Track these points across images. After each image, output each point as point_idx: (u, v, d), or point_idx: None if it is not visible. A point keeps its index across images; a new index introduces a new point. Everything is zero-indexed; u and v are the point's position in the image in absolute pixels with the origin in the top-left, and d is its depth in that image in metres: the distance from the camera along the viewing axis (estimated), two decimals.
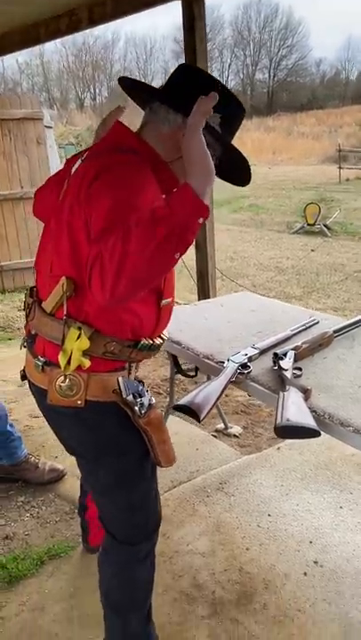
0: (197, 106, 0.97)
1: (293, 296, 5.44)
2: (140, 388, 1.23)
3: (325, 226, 8.82)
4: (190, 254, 3.37)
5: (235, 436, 2.69)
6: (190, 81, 1.20)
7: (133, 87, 1.25)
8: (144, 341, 1.23)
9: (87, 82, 45.93)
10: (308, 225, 8.90)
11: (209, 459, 2.45)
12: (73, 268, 1.13)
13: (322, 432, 1.40)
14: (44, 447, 2.60)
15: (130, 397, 1.19)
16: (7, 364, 3.49)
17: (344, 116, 29.53)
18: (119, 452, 1.26)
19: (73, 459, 2.44)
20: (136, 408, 1.19)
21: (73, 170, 1.21)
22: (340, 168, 14.68)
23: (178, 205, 0.94)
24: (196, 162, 0.96)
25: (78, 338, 1.14)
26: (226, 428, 2.72)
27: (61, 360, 1.15)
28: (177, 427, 2.69)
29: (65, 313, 1.15)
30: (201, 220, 0.95)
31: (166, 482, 2.25)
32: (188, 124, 0.98)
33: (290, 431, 1.37)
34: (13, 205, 5.19)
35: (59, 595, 1.77)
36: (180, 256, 0.98)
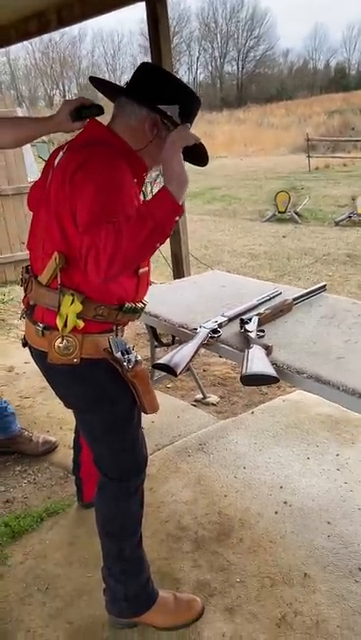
0: (177, 131, 1.25)
1: (266, 279, 5.65)
2: (128, 346, 1.44)
3: (296, 213, 9.09)
4: (166, 245, 3.58)
5: (212, 404, 2.92)
6: (150, 77, 1.41)
7: (102, 85, 1.45)
8: (128, 305, 1.42)
9: (55, 79, 45.59)
10: (280, 213, 9.16)
11: (189, 424, 2.67)
12: (64, 246, 1.32)
13: (282, 380, 1.64)
14: (36, 423, 2.80)
15: (119, 354, 1.40)
16: None
17: (313, 105, 29.95)
18: (110, 402, 1.46)
19: (63, 431, 2.68)
20: (124, 363, 1.40)
21: (56, 162, 1.40)
22: (308, 157, 15.01)
23: (160, 206, 1.21)
24: (175, 175, 1.23)
25: (72, 303, 1.34)
26: (204, 397, 2.95)
27: (59, 323, 1.35)
28: (159, 398, 2.90)
29: (59, 283, 1.34)
30: (177, 218, 1.23)
31: (151, 445, 2.46)
32: (168, 145, 1.24)
33: (254, 379, 1.60)
34: None
35: (59, 544, 1.98)
36: (160, 245, 1.24)
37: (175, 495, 2.16)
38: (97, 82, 1.44)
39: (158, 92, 1.35)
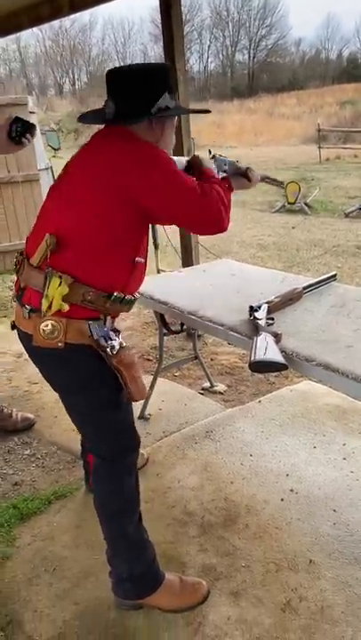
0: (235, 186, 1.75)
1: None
2: (110, 333, 1.43)
3: (306, 204, 9.02)
4: (175, 234, 3.58)
5: (220, 393, 2.92)
6: (129, 87, 1.40)
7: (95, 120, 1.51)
8: (117, 294, 1.43)
9: (65, 67, 45.35)
10: (289, 203, 9.09)
11: (196, 412, 2.68)
12: (58, 226, 1.37)
13: (291, 368, 1.64)
14: (44, 409, 2.82)
15: (101, 340, 1.40)
16: (4, 339, 3.68)
17: (325, 95, 29.61)
18: (94, 387, 1.47)
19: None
20: (108, 350, 1.41)
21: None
22: (319, 148, 14.87)
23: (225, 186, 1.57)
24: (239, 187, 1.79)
25: (59, 285, 1.35)
26: (211, 386, 2.96)
27: (44, 304, 1.36)
28: (167, 386, 2.94)
29: (47, 264, 1.37)
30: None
31: (158, 432, 2.48)
32: (234, 189, 1.70)
33: (262, 366, 1.60)
34: (1, 189, 5.32)
35: (66, 526, 2.00)
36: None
37: (182, 481, 2.18)
38: (88, 119, 1.51)
39: (145, 99, 1.39)
